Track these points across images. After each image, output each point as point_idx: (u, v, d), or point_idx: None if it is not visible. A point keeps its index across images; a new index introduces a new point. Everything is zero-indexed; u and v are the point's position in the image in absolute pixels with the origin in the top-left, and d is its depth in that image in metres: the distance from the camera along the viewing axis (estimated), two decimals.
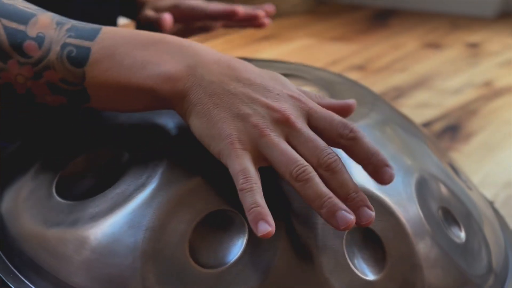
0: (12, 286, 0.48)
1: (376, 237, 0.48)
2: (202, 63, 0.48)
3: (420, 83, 1.40)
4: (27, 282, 0.48)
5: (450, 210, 0.54)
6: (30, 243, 0.49)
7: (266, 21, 0.90)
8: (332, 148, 0.46)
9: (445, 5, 2.13)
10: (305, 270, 0.46)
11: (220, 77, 0.48)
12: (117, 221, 0.47)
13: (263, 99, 0.47)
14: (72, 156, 0.53)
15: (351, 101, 0.53)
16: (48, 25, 0.49)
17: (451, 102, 1.28)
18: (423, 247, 0.49)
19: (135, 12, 0.91)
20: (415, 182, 0.53)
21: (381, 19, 2.05)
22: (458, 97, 1.31)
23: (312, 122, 0.48)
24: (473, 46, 1.73)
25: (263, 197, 0.44)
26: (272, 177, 0.47)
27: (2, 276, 0.49)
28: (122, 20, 0.94)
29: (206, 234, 0.46)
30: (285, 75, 0.53)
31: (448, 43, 1.75)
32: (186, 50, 0.49)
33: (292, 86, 0.50)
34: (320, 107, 0.49)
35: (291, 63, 0.70)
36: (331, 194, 0.44)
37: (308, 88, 0.60)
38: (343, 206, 0.43)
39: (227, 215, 0.46)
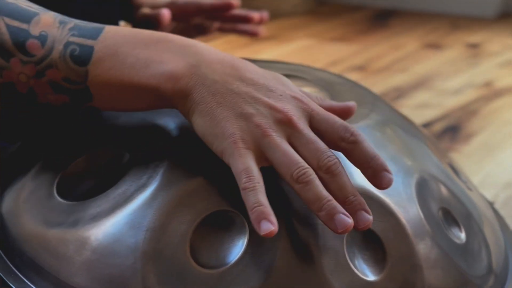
0: (13, 286, 0.48)
1: (377, 238, 0.48)
2: (205, 62, 0.48)
3: (420, 84, 1.40)
4: (28, 282, 0.48)
5: (450, 210, 0.54)
6: (31, 243, 0.49)
7: (261, 30, 0.91)
8: (332, 151, 0.46)
9: (445, 6, 2.13)
10: (305, 271, 0.46)
11: (224, 77, 0.48)
12: (117, 221, 0.47)
13: (266, 99, 0.47)
14: (73, 156, 0.53)
15: (352, 103, 0.54)
16: (51, 24, 0.50)
17: (451, 102, 1.28)
18: (423, 248, 0.49)
19: (132, 14, 0.91)
20: (415, 183, 0.53)
21: (381, 20, 2.04)
22: (458, 98, 1.31)
23: (314, 124, 0.48)
24: (473, 46, 1.73)
25: (265, 196, 0.44)
26: (273, 177, 0.47)
27: (3, 276, 0.49)
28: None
29: (207, 234, 0.46)
30: (285, 75, 0.53)
31: (448, 44, 1.75)
32: (189, 49, 0.49)
33: (294, 87, 0.50)
34: (321, 109, 0.49)
35: (291, 64, 0.70)
36: (330, 197, 0.44)
37: (308, 89, 0.60)
38: (342, 209, 0.44)
39: (228, 215, 0.47)
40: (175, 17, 0.87)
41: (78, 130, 0.57)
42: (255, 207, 0.43)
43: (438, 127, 1.15)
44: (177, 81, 0.48)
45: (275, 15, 2.05)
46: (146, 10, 0.88)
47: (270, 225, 0.42)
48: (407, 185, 0.52)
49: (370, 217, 0.45)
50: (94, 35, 0.49)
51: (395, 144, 0.56)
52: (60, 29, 0.49)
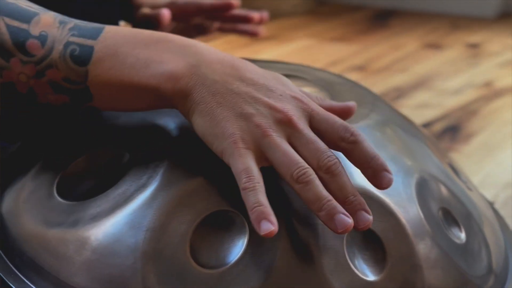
0: (13, 286, 0.48)
1: (377, 238, 0.48)
2: (205, 62, 0.48)
3: (420, 84, 1.40)
4: (28, 282, 0.48)
5: (450, 210, 0.54)
6: (31, 243, 0.49)
7: (261, 30, 0.91)
8: (332, 151, 0.46)
9: (445, 6, 2.13)
10: (305, 271, 0.46)
11: (224, 77, 0.48)
12: (117, 221, 0.47)
13: (266, 99, 0.47)
14: (73, 156, 0.53)
15: (352, 103, 0.54)
16: (51, 24, 0.50)
17: (451, 102, 1.28)
18: (423, 248, 0.49)
19: (132, 14, 0.91)
20: (415, 183, 0.53)
21: (381, 20, 2.04)
22: (458, 98, 1.31)
23: (314, 124, 0.48)
24: (473, 46, 1.73)
25: (266, 196, 0.44)
26: (273, 178, 0.47)
27: (3, 276, 0.49)
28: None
29: (207, 234, 0.46)
30: (285, 75, 0.53)
31: (448, 44, 1.75)
32: (189, 49, 0.49)
33: (294, 87, 0.51)
34: (322, 109, 0.49)
35: (291, 64, 0.70)
36: (330, 197, 0.44)
37: (308, 89, 0.60)
38: (342, 209, 0.44)
39: (228, 215, 0.47)
40: (175, 17, 0.87)
41: (78, 130, 0.57)
42: (255, 207, 0.43)
43: (438, 127, 1.15)
44: (177, 81, 0.48)
45: (275, 15, 2.05)
46: (146, 10, 0.88)
47: (270, 225, 0.42)
48: (407, 185, 0.52)
49: (370, 217, 0.45)
50: (94, 35, 0.49)
51: (395, 144, 0.56)
52: (60, 29, 0.49)
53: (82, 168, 0.52)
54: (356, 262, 0.47)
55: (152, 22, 0.84)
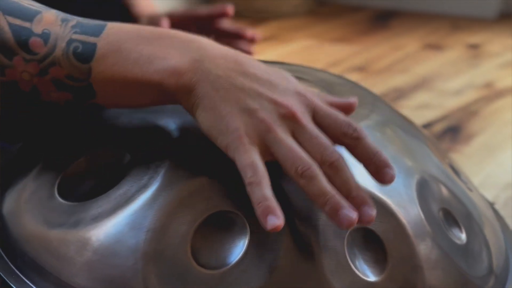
0: (14, 287, 0.48)
1: (377, 238, 0.48)
2: (209, 57, 0.48)
3: (420, 84, 1.40)
4: (29, 283, 0.48)
5: (450, 211, 0.54)
6: (32, 244, 0.49)
7: (252, 49, 0.92)
8: (335, 146, 0.46)
9: (445, 6, 2.13)
10: (306, 271, 0.46)
11: (227, 72, 0.48)
12: (119, 222, 0.47)
13: (270, 94, 0.47)
14: (74, 157, 0.53)
15: (353, 99, 0.53)
16: (53, 21, 0.50)
17: (452, 103, 1.28)
18: (424, 248, 0.49)
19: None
20: (416, 184, 0.53)
21: (381, 20, 2.04)
22: (459, 98, 1.31)
23: (317, 119, 0.48)
24: (474, 47, 1.73)
25: (271, 190, 0.44)
26: (273, 178, 0.47)
27: (4, 277, 0.49)
28: None
29: (208, 235, 0.46)
30: None
31: (449, 44, 1.75)
32: (192, 44, 0.49)
33: (297, 83, 0.51)
34: (325, 104, 0.49)
35: (291, 64, 0.70)
36: (334, 192, 0.44)
37: None
38: (346, 204, 0.44)
39: (228, 216, 0.47)
40: (173, 27, 0.88)
41: (79, 130, 0.57)
42: (261, 201, 0.43)
43: (438, 127, 1.15)
44: (181, 77, 0.48)
45: (275, 16, 2.05)
46: (144, 21, 0.89)
47: (276, 220, 0.42)
48: (408, 186, 0.52)
49: (374, 212, 0.45)
50: (97, 32, 0.49)
51: (396, 144, 0.56)
52: (62, 26, 0.49)
53: (83, 169, 0.52)
54: (357, 263, 0.47)
55: None
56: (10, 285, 0.48)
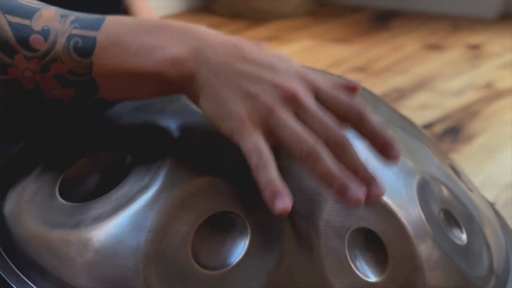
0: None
1: (378, 239, 0.48)
2: (208, 45, 0.48)
3: (421, 85, 1.40)
4: (30, 284, 0.48)
5: (451, 212, 0.54)
6: (33, 245, 0.49)
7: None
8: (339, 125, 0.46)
9: (446, 7, 2.13)
10: (307, 272, 0.46)
11: (227, 58, 0.48)
12: (119, 223, 0.47)
13: (271, 77, 0.47)
14: (75, 158, 0.53)
15: (356, 82, 0.53)
16: (52, 18, 0.50)
17: (452, 103, 1.29)
18: (425, 249, 0.49)
19: None
20: (417, 184, 0.53)
21: (382, 21, 2.05)
22: (459, 99, 1.31)
23: (320, 99, 0.48)
24: (474, 47, 1.73)
25: (278, 173, 0.44)
26: None
27: (5, 278, 0.49)
28: None
29: (209, 235, 0.46)
30: None
31: (449, 45, 1.75)
32: (191, 33, 0.49)
33: (298, 65, 0.50)
34: (327, 85, 0.49)
35: None
36: (341, 170, 0.44)
37: None
38: (354, 181, 0.43)
39: (229, 217, 0.47)
40: None
41: (81, 131, 0.57)
42: (268, 185, 0.43)
43: (439, 128, 1.15)
44: (181, 66, 0.48)
45: (275, 16, 2.05)
46: None
47: (284, 203, 0.42)
48: (408, 186, 0.52)
49: (382, 189, 0.44)
50: (96, 26, 0.50)
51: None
52: (62, 22, 0.50)
53: (84, 170, 0.52)
54: (358, 263, 0.47)
55: None
56: (11, 286, 0.48)
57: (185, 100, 0.55)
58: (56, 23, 0.50)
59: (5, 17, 0.49)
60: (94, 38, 0.49)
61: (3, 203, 0.54)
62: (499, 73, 1.50)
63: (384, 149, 0.46)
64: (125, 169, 0.50)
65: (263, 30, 1.89)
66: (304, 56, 1.66)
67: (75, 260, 0.47)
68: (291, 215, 0.47)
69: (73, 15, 0.51)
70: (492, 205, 0.68)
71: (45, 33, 0.49)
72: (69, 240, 0.48)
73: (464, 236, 0.54)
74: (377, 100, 0.64)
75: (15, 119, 0.63)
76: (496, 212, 0.67)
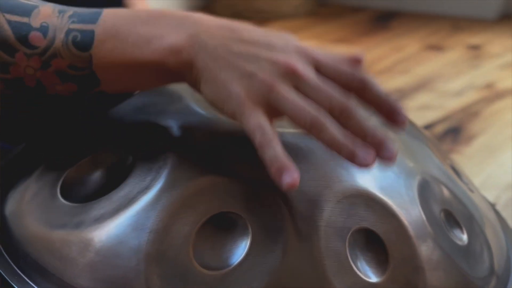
0: None
1: (379, 239, 0.48)
2: (204, 30, 0.49)
3: (421, 85, 1.40)
4: (32, 284, 0.48)
5: (452, 212, 0.54)
6: (35, 245, 0.49)
7: None
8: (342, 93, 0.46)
9: (446, 7, 2.13)
10: (308, 272, 0.46)
11: (223, 41, 0.48)
12: (121, 223, 0.47)
13: (268, 55, 0.47)
14: (76, 158, 0.53)
15: (359, 53, 0.52)
16: (50, 14, 0.50)
17: (453, 104, 1.29)
18: (426, 249, 0.49)
19: None
20: (417, 185, 0.53)
21: (382, 21, 2.05)
22: (460, 99, 1.31)
23: (321, 71, 0.48)
24: (475, 48, 1.73)
25: (282, 148, 0.44)
26: (273, 179, 0.47)
27: (7, 278, 0.49)
28: None
29: (210, 236, 0.46)
30: None
31: (450, 45, 1.75)
32: (187, 20, 0.50)
33: (297, 42, 0.50)
34: (327, 57, 0.49)
35: None
36: (348, 135, 0.44)
37: None
38: (362, 144, 0.43)
39: (230, 217, 0.47)
40: None
41: (82, 131, 0.57)
42: (273, 161, 0.43)
43: (439, 128, 1.15)
44: (180, 54, 0.48)
45: (276, 16, 2.05)
46: None
47: (290, 178, 0.42)
48: (409, 187, 0.52)
49: (395, 148, 0.44)
50: (94, 19, 0.50)
51: (397, 146, 0.56)
52: (59, 18, 0.50)
53: (85, 170, 0.52)
54: (359, 264, 0.47)
55: None
56: (13, 286, 0.48)
57: (186, 100, 0.55)
58: (54, 19, 0.50)
59: (4, 16, 0.50)
60: (92, 32, 0.49)
61: (4, 203, 0.54)
62: (500, 73, 1.50)
63: (391, 115, 0.46)
64: (126, 169, 0.50)
65: None
66: None
67: (76, 260, 0.47)
68: (292, 216, 0.47)
69: (71, 10, 0.51)
70: (492, 206, 0.68)
71: (44, 29, 0.49)
72: (70, 240, 0.48)
73: (464, 237, 0.54)
74: None
75: (15, 119, 0.63)
76: (496, 213, 0.67)
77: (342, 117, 0.45)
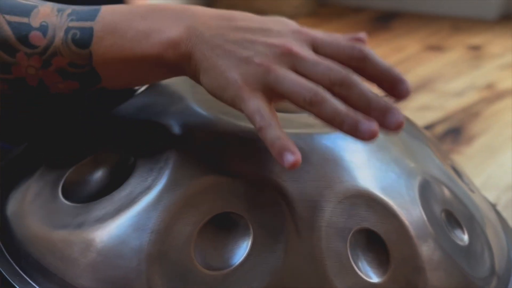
0: None
1: (380, 240, 0.48)
2: (201, 21, 0.49)
3: (422, 86, 1.40)
4: (33, 284, 0.48)
5: (453, 212, 0.54)
6: (36, 245, 0.50)
7: None
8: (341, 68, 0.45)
9: (446, 8, 2.13)
10: (309, 273, 0.46)
11: (219, 30, 0.48)
12: (122, 223, 0.47)
13: (264, 39, 0.47)
14: (78, 158, 0.53)
15: (362, 33, 0.51)
16: (49, 13, 0.50)
17: (453, 104, 1.29)
18: (426, 250, 0.49)
19: None
20: (418, 185, 0.53)
21: (383, 22, 2.05)
22: (460, 100, 1.31)
23: (319, 50, 0.48)
24: (475, 48, 1.73)
25: (283, 130, 0.44)
26: (274, 179, 0.47)
27: (8, 278, 0.49)
28: None
29: (211, 236, 0.46)
30: None
31: (450, 46, 1.75)
32: (184, 13, 0.50)
33: (295, 25, 0.50)
34: (324, 35, 0.48)
35: None
36: (348, 109, 0.43)
37: None
38: (363, 117, 0.42)
39: (232, 217, 0.47)
40: None
41: (83, 131, 0.57)
42: (274, 141, 0.43)
43: (440, 129, 1.15)
44: (178, 46, 0.48)
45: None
46: None
47: (292, 156, 0.42)
48: (410, 187, 0.52)
49: (401, 116, 0.43)
50: (92, 17, 0.50)
51: (398, 146, 0.56)
52: (59, 16, 0.50)
53: (87, 170, 0.52)
54: (360, 264, 0.47)
55: None
56: (14, 286, 0.48)
57: (186, 101, 0.55)
58: (53, 18, 0.50)
59: (3, 17, 0.50)
60: (91, 29, 0.49)
61: (5, 204, 0.55)
62: (500, 74, 1.50)
63: (394, 86, 0.45)
64: (128, 169, 0.51)
65: None
66: None
67: (78, 260, 0.47)
68: (293, 216, 0.47)
69: (70, 8, 0.51)
70: (493, 206, 0.68)
71: (43, 29, 0.50)
72: (72, 240, 0.48)
73: (465, 237, 0.54)
74: None
75: (15, 119, 0.63)
76: (497, 213, 0.67)
77: (344, 89, 0.44)
